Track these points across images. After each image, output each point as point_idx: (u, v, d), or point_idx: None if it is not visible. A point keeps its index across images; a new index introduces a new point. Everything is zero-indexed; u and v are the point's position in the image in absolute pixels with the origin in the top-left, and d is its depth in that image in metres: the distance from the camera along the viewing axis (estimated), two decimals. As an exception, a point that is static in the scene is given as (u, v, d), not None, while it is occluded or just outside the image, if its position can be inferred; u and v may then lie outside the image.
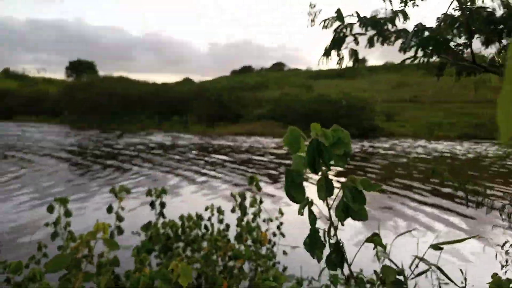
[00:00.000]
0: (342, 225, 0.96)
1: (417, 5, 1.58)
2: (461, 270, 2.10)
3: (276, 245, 2.51)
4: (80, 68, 58.30)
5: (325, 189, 0.89)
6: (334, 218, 0.94)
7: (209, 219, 2.13)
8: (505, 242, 2.21)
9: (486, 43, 1.36)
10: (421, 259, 1.94)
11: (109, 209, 2.15)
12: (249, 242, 2.25)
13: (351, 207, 0.81)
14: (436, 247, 1.95)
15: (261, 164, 10.40)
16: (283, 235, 2.64)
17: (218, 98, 29.29)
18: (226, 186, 6.88)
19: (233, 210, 2.25)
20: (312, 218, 1.00)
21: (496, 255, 2.24)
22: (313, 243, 0.83)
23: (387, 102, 29.95)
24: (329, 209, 0.94)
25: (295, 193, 0.81)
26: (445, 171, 1.99)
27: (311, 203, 0.93)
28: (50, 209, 2.01)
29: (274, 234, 2.58)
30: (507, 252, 2.20)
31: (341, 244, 0.84)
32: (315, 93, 27.10)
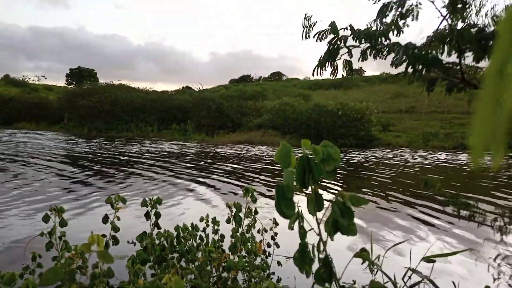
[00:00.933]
0: (332, 239, 0.98)
1: (408, 25, 1.62)
2: (453, 283, 2.11)
3: (270, 256, 2.52)
4: (80, 75, 58.58)
5: (314, 204, 0.91)
6: (324, 232, 0.96)
7: (204, 230, 2.14)
8: (498, 255, 2.22)
9: (477, 60, 1.39)
10: (414, 271, 1.96)
11: (105, 220, 2.16)
12: (243, 252, 2.25)
13: (340, 223, 0.83)
14: (429, 259, 1.97)
15: (274, 173, 10.48)
16: (277, 245, 2.65)
17: (218, 106, 29.39)
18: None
19: (228, 221, 2.26)
20: (302, 233, 1.02)
21: (488, 268, 2.25)
22: (302, 258, 0.85)
23: (384, 112, 30.09)
24: (318, 224, 0.96)
25: (285, 208, 0.83)
26: (438, 183, 2.00)
27: (301, 218, 0.95)
28: (46, 219, 2.01)
29: (269, 245, 2.59)
30: (499, 265, 2.21)
31: (330, 259, 0.86)
32: (313, 103, 27.21)
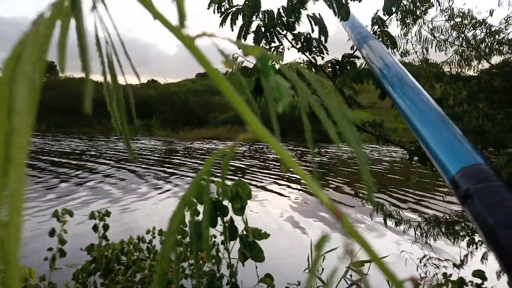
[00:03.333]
0: (243, 265, 1.11)
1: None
2: (388, 282, 2.32)
3: (231, 264, 2.63)
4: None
5: (228, 236, 1.03)
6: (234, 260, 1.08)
7: (150, 242, 2.22)
8: (423, 256, 2.45)
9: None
10: (342, 277, 2.13)
11: (52, 233, 2.20)
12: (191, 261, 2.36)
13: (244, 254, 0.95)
14: (358, 264, 2.17)
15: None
16: (227, 250, 2.77)
17: (184, 102, 29.10)
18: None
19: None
20: (216, 260, 1.14)
21: (417, 268, 2.48)
22: (211, 286, 0.97)
23: (348, 108, 30.75)
24: (228, 253, 1.08)
25: (198, 243, 0.94)
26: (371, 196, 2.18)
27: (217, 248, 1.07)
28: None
29: (218, 251, 2.70)
30: (425, 265, 2.44)
31: (237, 285, 0.98)
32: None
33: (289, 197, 7.12)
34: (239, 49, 0.20)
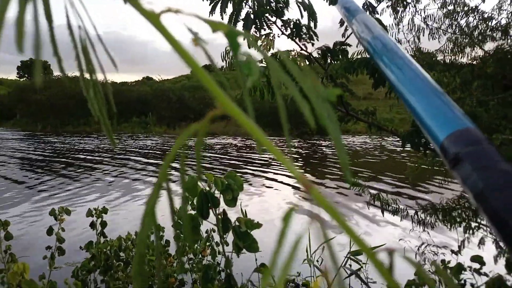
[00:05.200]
0: (238, 256, 1.11)
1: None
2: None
3: (220, 254, 2.64)
4: (32, 68, 55.31)
5: (221, 228, 1.03)
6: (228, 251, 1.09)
7: (148, 237, 2.22)
8: (421, 244, 2.47)
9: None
10: (341, 266, 2.16)
11: (50, 231, 2.20)
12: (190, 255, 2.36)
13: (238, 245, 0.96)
14: (356, 253, 2.17)
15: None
16: (226, 243, 2.77)
17: (179, 98, 29.02)
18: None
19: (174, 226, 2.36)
20: (213, 253, 1.14)
21: (415, 256, 2.49)
22: (206, 277, 0.97)
23: (344, 99, 30.78)
24: (223, 245, 1.09)
25: (191, 234, 0.95)
26: (364, 185, 2.19)
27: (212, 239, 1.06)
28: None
29: (218, 244, 2.71)
30: (423, 253, 2.45)
31: (231, 277, 0.98)
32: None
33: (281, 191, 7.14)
34: (208, 26, 0.20)
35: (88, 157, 12.29)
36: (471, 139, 0.30)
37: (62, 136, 22.22)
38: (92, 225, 2.26)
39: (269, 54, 1.39)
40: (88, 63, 0.28)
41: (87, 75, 0.28)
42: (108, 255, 2.07)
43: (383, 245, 2.38)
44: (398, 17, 2.35)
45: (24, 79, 54.84)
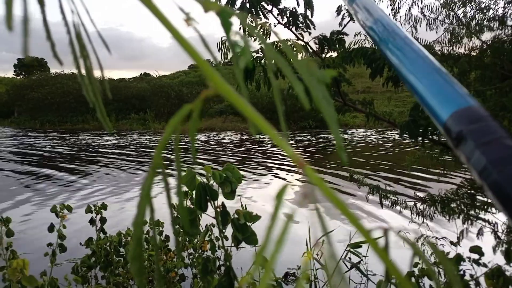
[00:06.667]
0: (237, 249, 1.11)
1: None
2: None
3: (220, 249, 2.65)
4: (30, 65, 55.27)
5: (220, 221, 1.03)
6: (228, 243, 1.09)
7: (148, 233, 2.23)
8: (420, 236, 2.48)
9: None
10: (341, 259, 2.15)
11: (51, 228, 2.20)
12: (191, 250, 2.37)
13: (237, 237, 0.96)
14: (355, 245, 2.19)
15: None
16: (226, 238, 2.78)
17: (178, 94, 28.97)
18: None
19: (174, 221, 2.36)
20: (212, 247, 1.15)
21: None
22: (205, 270, 0.97)
23: (342, 93, 30.73)
24: (222, 238, 1.09)
25: (190, 228, 0.95)
26: (363, 178, 2.20)
27: (211, 232, 1.07)
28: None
29: (218, 238, 2.72)
30: (422, 244, 2.46)
31: (231, 269, 0.98)
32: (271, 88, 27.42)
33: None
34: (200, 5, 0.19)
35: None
36: (475, 116, 0.30)
37: (75, 134, 22.17)
38: (92, 222, 2.27)
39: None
40: (82, 49, 0.28)
41: (81, 61, 0.28)
42: (108, 251, 2.07)
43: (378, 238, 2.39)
44: (396, 7, 2.34)
45: (21, 77, 54.58)
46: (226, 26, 0.20)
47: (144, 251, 2.18)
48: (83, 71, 0.29)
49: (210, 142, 16.50)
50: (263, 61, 1.39)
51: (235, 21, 0.20)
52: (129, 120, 29.12)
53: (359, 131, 21.53)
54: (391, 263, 0.17)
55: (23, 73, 56.70)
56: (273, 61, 0.23)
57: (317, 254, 2.57)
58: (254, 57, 1.40)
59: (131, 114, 29.69)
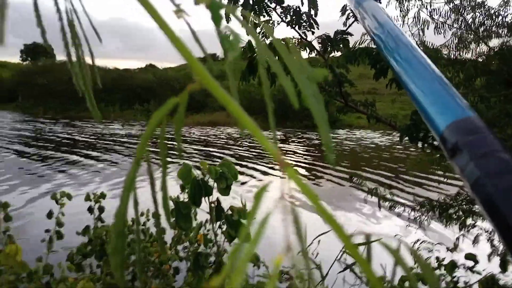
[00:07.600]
0: (230, 245, 1.11)
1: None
2: (381, 265, 2.34)
3: (217, 244, 2.65)
4: (36, 52, 55.32)
5: (214, 216, 1.03)
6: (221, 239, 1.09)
7: (144, 224, 2.23)
8: (417, 240, 2.48)
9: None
10: (336, 260, 2.15)
11: (49, 215, 2.20)
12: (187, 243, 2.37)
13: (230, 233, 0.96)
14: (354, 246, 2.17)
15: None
16: (224, 234, 2.78)
17: (183, 86, 29.04)
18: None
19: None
20: (206, 241, 1.15)
21: (411, 252, 2.50)
22: (196, 264, 0.97)
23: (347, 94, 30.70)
24: (215, 233, 1.09)
25: (182, 222, 0.94)
26: (363, 180, 2.19)
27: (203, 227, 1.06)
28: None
29: (216, 234, 2.72)
30: (418, 249, 2.46)
31: (223, 264, 0.98)
32: (277, 85, 27.42)
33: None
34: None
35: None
36: (471, 128, 0.30)
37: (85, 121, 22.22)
38: (90, 210, 2.27)
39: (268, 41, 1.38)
40: (74, 36, 0.28)
41: (72, 49, 0.28)
42: (104, 240, 2.07)
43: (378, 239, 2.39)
44: (404, 10, 2.32)
45: (27, 62, 54.67)
46: (216, 19, 0.19)
47: (140, 243, 2.18)
48: (76, 60, 0.28)
49: (222, 136, 16.60)
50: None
51: (231, 16, 0.20)
52: (133, 110, 29.14)
53: (365, 132, 21.51)
54: (368, 266, 0.17)
55: (29, 58, 56.77)
56: (265, 57, 0.22)
57: (312, 254, 2.58)
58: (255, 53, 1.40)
59: (136, 105, 29.71)
